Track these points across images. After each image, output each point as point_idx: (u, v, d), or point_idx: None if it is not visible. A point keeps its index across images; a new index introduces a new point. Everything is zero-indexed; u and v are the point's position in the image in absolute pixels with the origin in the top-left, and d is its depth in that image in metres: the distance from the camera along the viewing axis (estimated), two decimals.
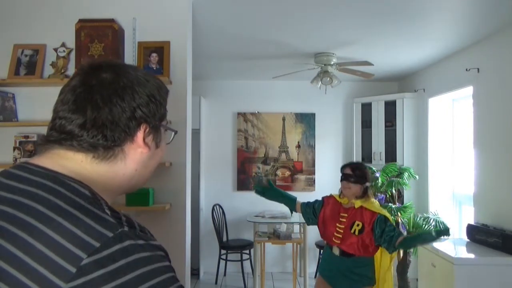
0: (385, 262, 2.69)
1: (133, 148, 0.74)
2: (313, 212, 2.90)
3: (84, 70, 0.74)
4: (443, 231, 2.42)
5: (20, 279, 0.54)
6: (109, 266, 0.55)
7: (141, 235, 0.62)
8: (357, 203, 2.68)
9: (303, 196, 3.52)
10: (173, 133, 0.84)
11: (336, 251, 2.73)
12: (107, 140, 0.70)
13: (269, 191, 3.03)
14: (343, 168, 2.81)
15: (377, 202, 2.81)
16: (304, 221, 3.20)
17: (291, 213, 3.18)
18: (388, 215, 2.65)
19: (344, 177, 2.73)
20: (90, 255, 0.55)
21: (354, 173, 2.70)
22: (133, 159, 0.75)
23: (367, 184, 2.73)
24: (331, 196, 2.91)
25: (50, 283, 0.53)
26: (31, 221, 0.58)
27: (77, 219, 0.58)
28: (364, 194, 2.70)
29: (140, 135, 0.74)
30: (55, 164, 0.68)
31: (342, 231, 2.67)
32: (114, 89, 0.71)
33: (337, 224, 2.71)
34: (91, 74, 0.72)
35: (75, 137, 0.69)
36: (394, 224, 2.66)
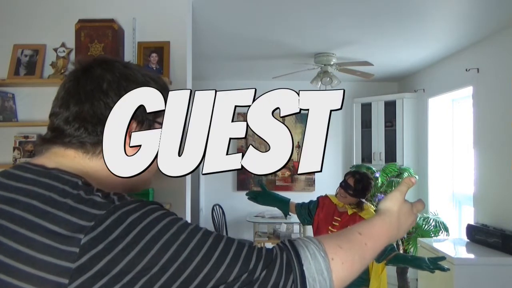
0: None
1: None
2: (308, 213, 2.86)
3: (77, 66, 0.76)
4: (438, 258, 2.37)
5: (29, 272, 0.58)
6: (107, 237, 0.58)
7: (132, 200, 0.64)
8: (350, 210, 2.66)
9: (303, 197, 3.51)
10: None
11: None
12: (89, 134, 0.71)
13: (262, 195, 2.94)
14: (347, 175, 2.71)
15: (372, 207, 2.76)
16: None
17: (285, 216, 3.11)
18: None
19: (344, 186, 2.63)
20: (87, 233, 0.58)
21: (355, 187, 2.60)
22: None
23: (364, 198, 2.68)
24: (326, 197, 2.86)
25: (59, 267, 0.57)
26: (28, 217, 0.61)
27: (70, 207, 0.61)
28: (357, 205, 2.64)
29: None
30: (51, 162, 0.70)
31: None
32: (98, 84, 0.72)
33: (330, 228, 2.67)
34: (81, 70, 0.74)
35: (64, 133, 0.71)
36: None
